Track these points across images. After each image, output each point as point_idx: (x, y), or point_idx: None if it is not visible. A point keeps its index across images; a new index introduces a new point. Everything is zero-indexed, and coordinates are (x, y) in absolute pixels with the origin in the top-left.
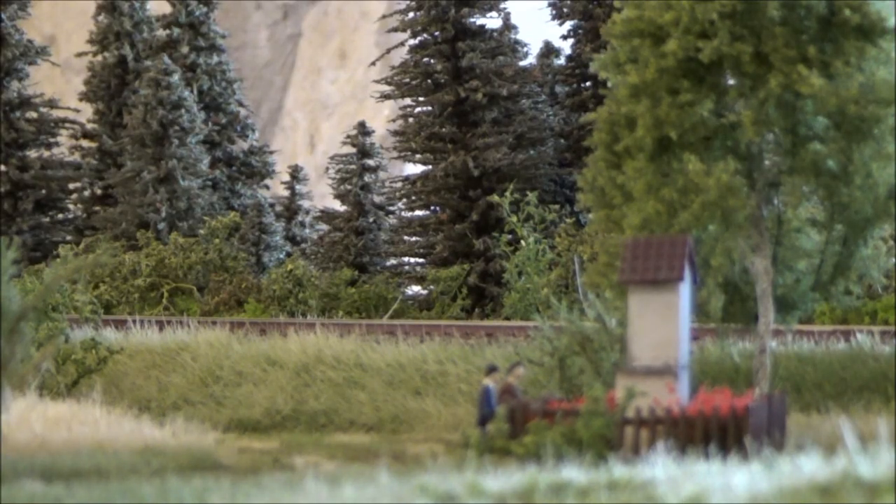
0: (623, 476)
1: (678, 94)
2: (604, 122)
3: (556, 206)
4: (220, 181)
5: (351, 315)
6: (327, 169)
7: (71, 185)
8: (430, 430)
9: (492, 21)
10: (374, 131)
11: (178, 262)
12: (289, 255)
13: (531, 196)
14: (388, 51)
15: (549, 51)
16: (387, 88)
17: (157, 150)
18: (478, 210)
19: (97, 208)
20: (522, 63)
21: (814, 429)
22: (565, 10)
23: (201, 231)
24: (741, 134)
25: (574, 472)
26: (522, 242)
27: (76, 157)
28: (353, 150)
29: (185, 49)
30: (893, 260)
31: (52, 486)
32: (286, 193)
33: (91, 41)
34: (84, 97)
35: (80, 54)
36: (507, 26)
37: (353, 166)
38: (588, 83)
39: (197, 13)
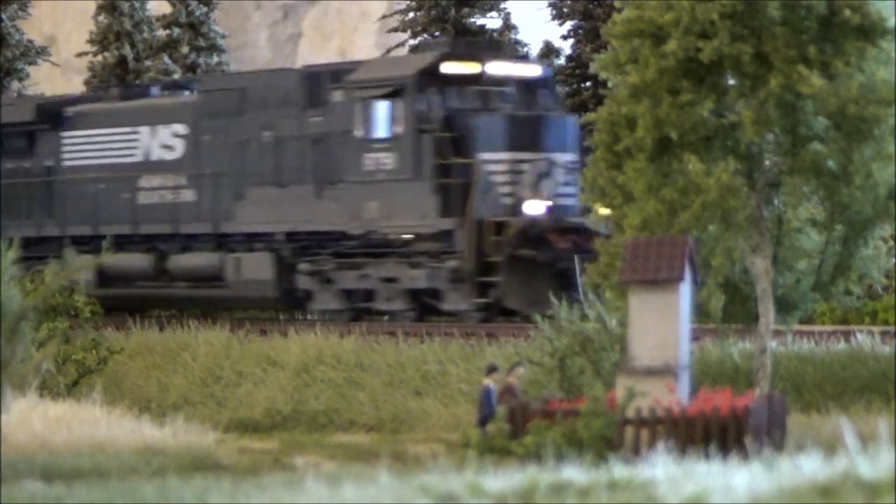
0: (623, 476)
1: (678, 95)
2: (604, 123)
3: None
4: None
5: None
6: None
7: None
8: (430, 431)
9: (492, 21)
10: None
11: None
12: None
13: None
14: (389, 51)
15: (549, 51)
16: None
17: None
18: None
19: None
20: None
21: (814, 429)
22: (565, 10)
23: None
24: (741, 134)
25: (574, 473)
26: None
27: None
28: None
29: (185, 49)
30: (894, 260)
31: (53, 486)
32: None
33: (91, 41)
34: None
35: (80, 54)
36: (508, 26)
37: None
38: (588, 83)
39: (197, 13)
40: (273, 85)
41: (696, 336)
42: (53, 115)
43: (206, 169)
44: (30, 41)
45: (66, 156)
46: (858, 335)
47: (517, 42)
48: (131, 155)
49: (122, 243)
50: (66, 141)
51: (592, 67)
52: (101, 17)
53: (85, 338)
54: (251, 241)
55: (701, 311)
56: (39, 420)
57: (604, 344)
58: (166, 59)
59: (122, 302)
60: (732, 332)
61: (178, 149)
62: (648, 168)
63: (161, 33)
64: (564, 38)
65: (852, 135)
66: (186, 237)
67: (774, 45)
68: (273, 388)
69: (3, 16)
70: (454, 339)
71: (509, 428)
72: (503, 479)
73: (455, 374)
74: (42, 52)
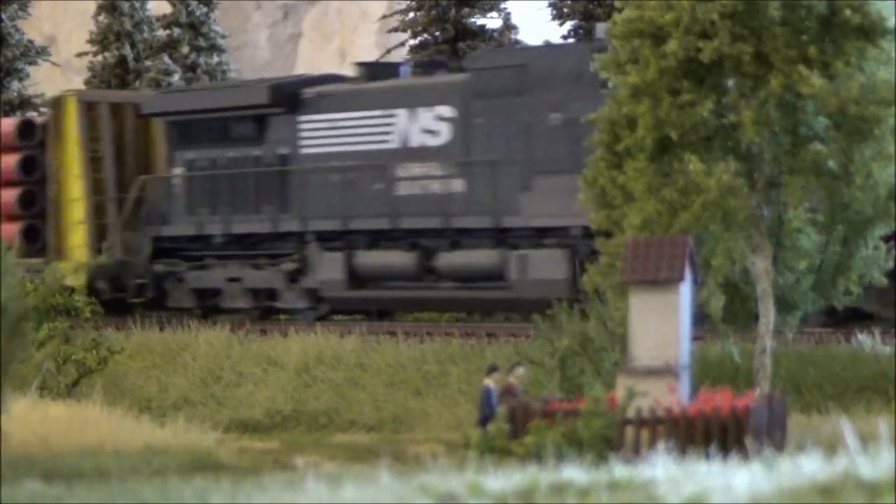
0: (624, 476)
1: (679, 95)
2: (604, 122)
3: None
4: None
5: (351, 315)
6: None
7: None
8: (430, 431)
9: (492, 21)
10: None
11: None
12: None
13: None
14: (389, 51)
15: None
16: None
17: None
18: None
19: None
20: None
21: (814, 429)
22: (565, 10)
23: None
24: (741, 134)
25: (575, 473)
26: None
27: None
28: None
29: (185, 49)
30: (893, 260)
31: (53, 486)
32: None
33: (91, 41)
34: None
35: (80, 54)
36: (508, 26)
37: None
38: None
39: (197, 13)
40: (561, 61)
41: (697, 336)
42: (290, 97)
43: (479, 156)
44: (30, 41)
45: (306, 142)
46: (858, 335)
47: (517, 42)
48: (386, 141)
49: (378, 239)
50: (304, 126)
51: (592, 67)
52: (101, 17)
53: (85, 338)
54: (540, 236)
55: (703, 318)
56: (39, 420)
57: (604, 344)
58: (166, 59)
59: (376, 304)
60: (732, 332)
61: (444, 133)
62: (649, 168)
63: (161, 33)
64: (565, 38)
65: (852, 135)
66: (457, 232)
67: (774, 45)
68: (273, 388)
69: (3, 16)
70: (454, 339)
71: (509, 428)
72: (503, 479)
73: (455, 374)
74: (42, 52)
